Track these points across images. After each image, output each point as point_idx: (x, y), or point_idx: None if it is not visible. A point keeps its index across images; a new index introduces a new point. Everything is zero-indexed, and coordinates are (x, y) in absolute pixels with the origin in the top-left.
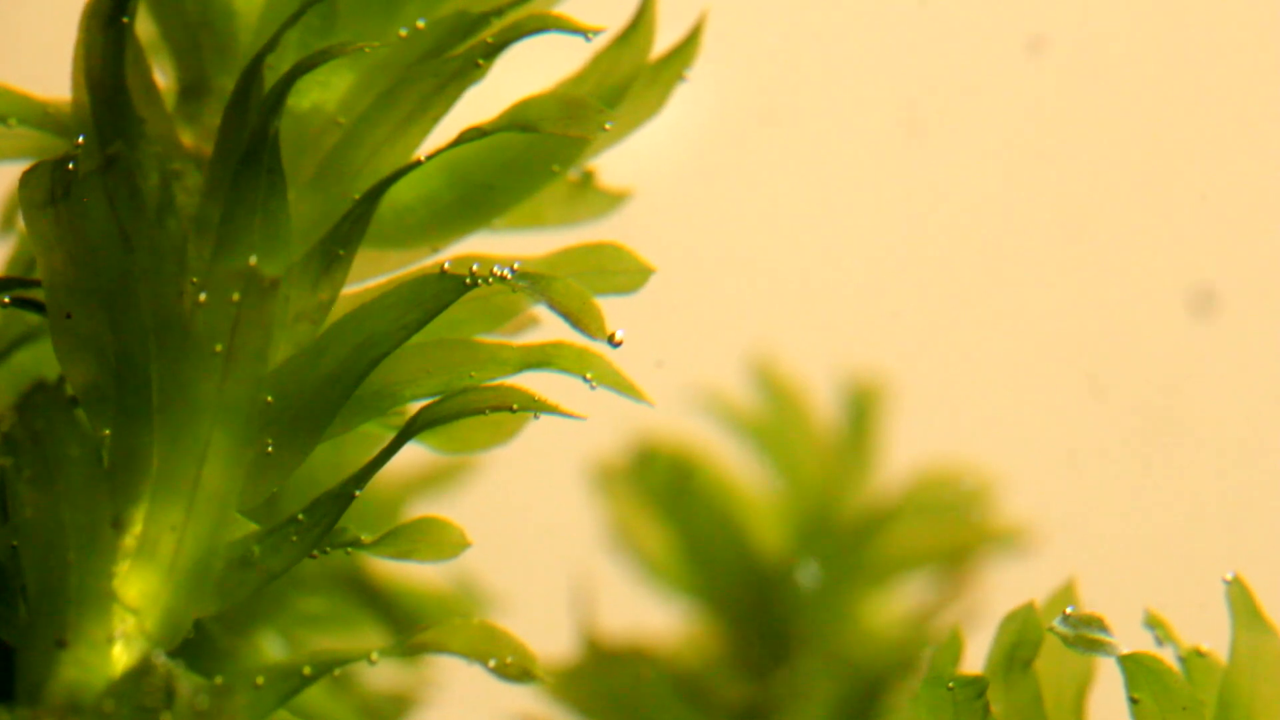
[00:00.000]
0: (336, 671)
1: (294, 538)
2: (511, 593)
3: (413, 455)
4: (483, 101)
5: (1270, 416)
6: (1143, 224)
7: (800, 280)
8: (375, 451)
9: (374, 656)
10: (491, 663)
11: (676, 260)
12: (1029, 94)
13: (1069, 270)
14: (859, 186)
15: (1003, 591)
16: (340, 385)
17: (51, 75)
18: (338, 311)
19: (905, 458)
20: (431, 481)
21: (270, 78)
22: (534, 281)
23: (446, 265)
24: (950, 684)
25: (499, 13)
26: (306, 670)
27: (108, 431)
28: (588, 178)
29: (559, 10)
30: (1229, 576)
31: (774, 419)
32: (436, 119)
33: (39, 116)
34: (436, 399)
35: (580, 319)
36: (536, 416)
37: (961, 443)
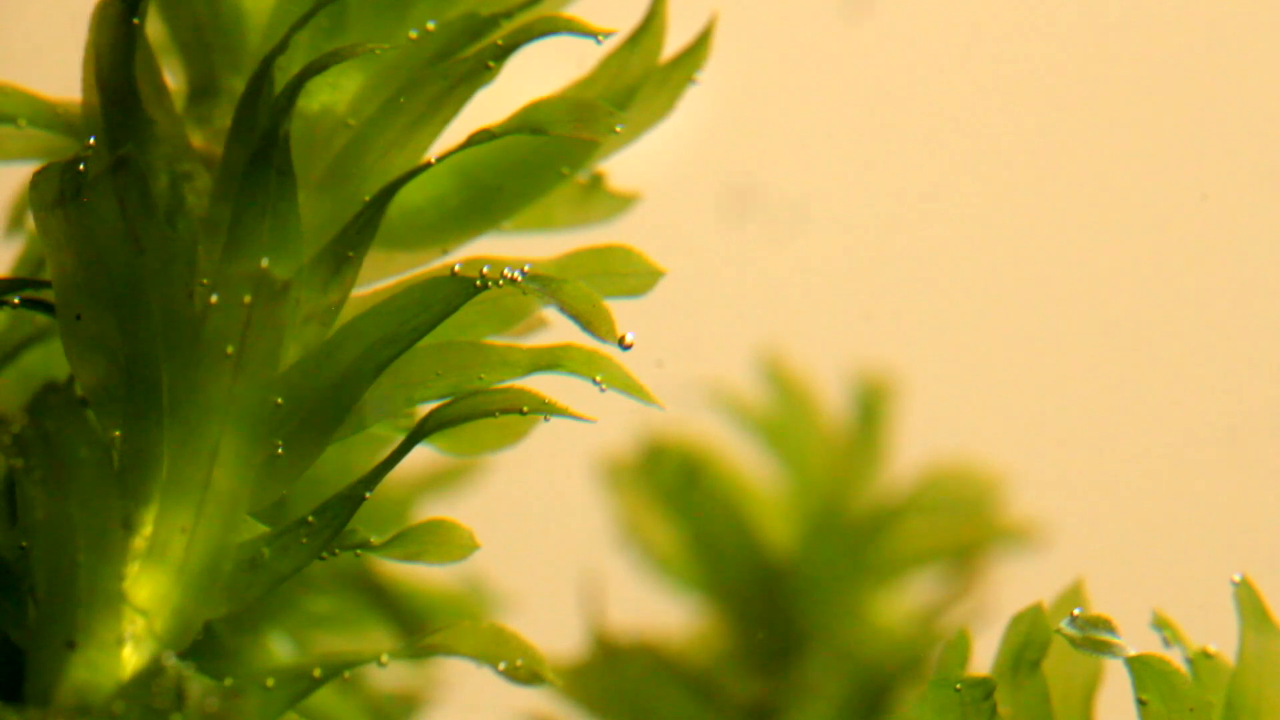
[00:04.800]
0: (346, 673)
1: (303, 539)
2: (520, 590)
3: (421, 456)
4: (493, 104)
5: (1273, 415)
6: (1147, 218)
7: (809, 277)
8: (385, 453)
9: (384, 659)
10: (501, 665)
11: (687, 258)
12: (1039, 91)
13: (1077, 266)
14: (868, 182)
15: (1011, 588)
16: (350, 387)
17: (61, 76)
18: (347, 313)
19: (914, 454)
20: (440, 482)
21: (280, 79)
22: (544, 284)
23: (456, 267)
24: (958, 685)
25: (509, 15)
26: (316, 672)
27: (118, 433)
28: (597, 180)
29: (569, 12)
30: (1237, 577)
31: (783, 416)
32: (446, 121)
33: (49, 117)
34: (446, 401)
35: (590, 321)
36: (546, 418)
37: (970, 439)
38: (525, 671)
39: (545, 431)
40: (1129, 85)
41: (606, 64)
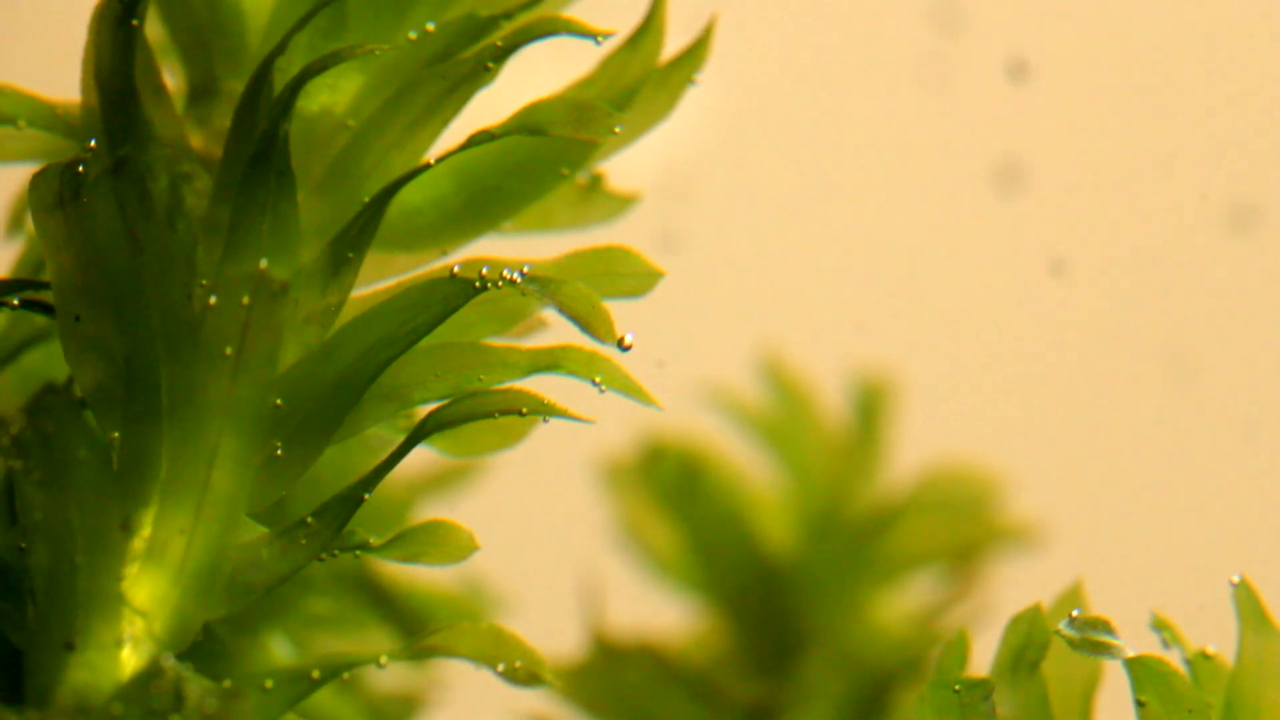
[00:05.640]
0: (345, 674)
1: (303, 541)
2: (520, 590)
3: (420, 456)
4: (492, 105)
5: (1274, 416)
6: (1146, 217)
7: (809, 277)
8: (384, 455)
9: (383, 660)
10: (500, 667)
11: (686, 258)
12: (1039, 89)
13: (1076, 266)
14: (867, 184)
15: (1011, 589)
16: (349, 388)
17: (61, 77)
18: (347, 314)
19: (913, 455)
20: (439, 483)
21: (280, 80)
22: (543, 285)
23: (456, 268)
24: (957, 686)
25: (509, 15)
26: (315, 673)
27: (117, 434)
28: (596, 181)
29: (569, 13)
30: (1236, 579)
31: (782, 416)
32: (446, 122)
33: (48, 118)
34: (445, 402)
35: (589, 323)
36: (546, 420)
37: (970, 440)
38: (524, 673)
39: (545, 432)
40: (1131, 85)
41: (606, 65)
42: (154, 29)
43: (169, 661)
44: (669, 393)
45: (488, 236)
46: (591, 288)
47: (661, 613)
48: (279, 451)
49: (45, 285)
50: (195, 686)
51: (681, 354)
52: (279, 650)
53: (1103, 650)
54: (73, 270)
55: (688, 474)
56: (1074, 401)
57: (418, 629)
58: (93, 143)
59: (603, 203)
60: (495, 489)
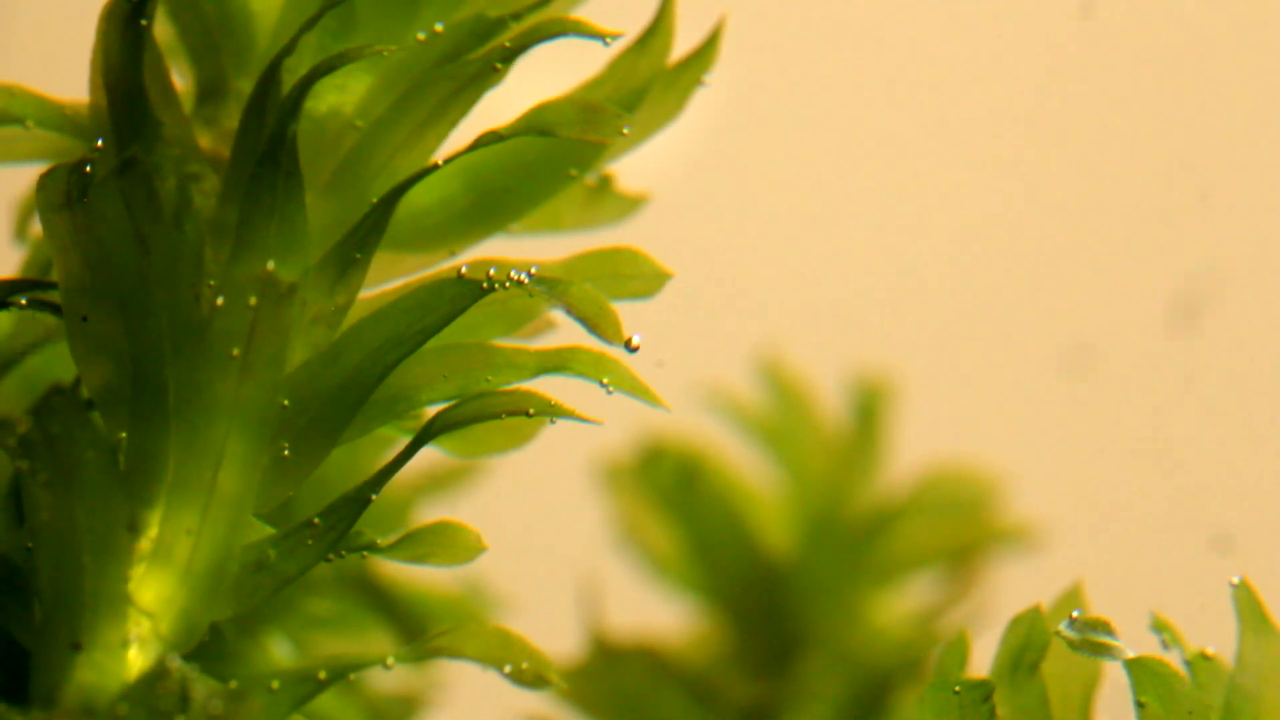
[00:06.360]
0: (350, 675)
1: (310, 541)
2: (519, 591)
3: (421, 457)
4: (500, 106)
5: (1274, 417)
6: (1147, 218)
7: (808, 279)
8: (391, 455)
9: (389, 661)
10: (506, 668)
11: (686, 260)
12: (1042, 93)
13: (1077, 269)
14: (867, 186)
15: (1010, 590)
16: (356, 389)
17: (69, 77)
18: (354, 315)
19: (912, 456)
20: (439, 483)
21: (288, 81)
22: (551, 286)
23: (463, 269)
24: (956, 687)
25: (517, 16)
26: (321, 675)
27: (124, 434)
28: (605, 182)
29: (577, 15)
30: (1235, 580)
31: (781, 418)
32: (454, 123)
33: (56, 119)
34: (453, 403)
35: (597, 324)
36: (553, 421)
37: (969, 441)
38: (531, 674)
39: (544, 432)
40: (1133, 91)
41: (615, 66)
42: (162, 29)
43: (175, 662)
44: (669, 393)
45: (496, 237)
46: (599, 289)
47: (661, 613)
48: (286, 452)
49: (52, 285)
50: (201, 687)
51: (681, 355)
52: (280, 651)
53: (1103, 651)
54: (80, 270)
55: (687, 475)
56: (1073, 402)
57: (418, 630)
58: (100, 143)
59: (611, 204)
60: (495, 489)
